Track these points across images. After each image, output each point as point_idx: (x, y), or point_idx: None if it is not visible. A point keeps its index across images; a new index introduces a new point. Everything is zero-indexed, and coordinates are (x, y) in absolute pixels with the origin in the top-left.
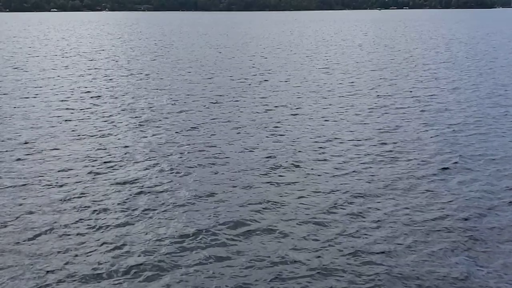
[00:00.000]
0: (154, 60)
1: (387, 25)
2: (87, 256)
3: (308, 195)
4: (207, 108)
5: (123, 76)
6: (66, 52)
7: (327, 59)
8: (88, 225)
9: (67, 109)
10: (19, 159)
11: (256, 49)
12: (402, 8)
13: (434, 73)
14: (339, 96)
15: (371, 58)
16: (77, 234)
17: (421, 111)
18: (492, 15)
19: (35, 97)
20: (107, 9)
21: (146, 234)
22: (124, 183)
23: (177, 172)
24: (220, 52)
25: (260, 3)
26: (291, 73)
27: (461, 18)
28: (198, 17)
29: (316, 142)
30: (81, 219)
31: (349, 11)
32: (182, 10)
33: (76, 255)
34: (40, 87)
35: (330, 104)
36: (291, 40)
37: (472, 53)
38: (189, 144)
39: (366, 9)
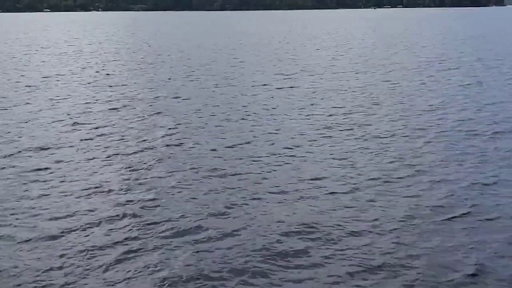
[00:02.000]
0: (161, 62)
1: (391, 23)
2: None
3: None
4: (229, 116)
5: (128, 80)
6: (65, 54)
7: (349, 61)
8: (95, 236)
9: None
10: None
11: (270, 51)
12: (396, 7)
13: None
14: (376, 104)
15: (394, 58)
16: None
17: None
18: (488, 13)
19: (34, 101)
20: (100, 9)
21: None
22: (134, 194)
23: (195, 187)
24: (229, 54)
25: (254, 2)
26: (316, 76)
27: (461, 16)
28: (194, 17)
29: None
30: (86, 233)
31: (345, 10)
32: (176, 10)
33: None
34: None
35: (366, 114)
36: (304, 42)
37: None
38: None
39: (361, 7)
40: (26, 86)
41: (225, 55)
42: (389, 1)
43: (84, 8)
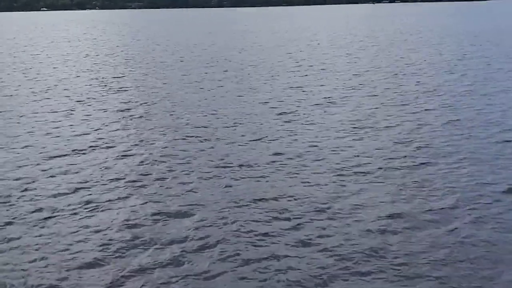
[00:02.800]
0: (176, 61)
1: (395, 19)
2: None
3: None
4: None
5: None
6: (66, 55)
7: (371, 59)
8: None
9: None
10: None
11: (290, 49)
12: (394, 2)
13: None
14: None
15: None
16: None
17: None
18: (488, 8)
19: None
20: (97, 7)
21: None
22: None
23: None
24: (241, 53)
25: None
26: (342, 76)
27: (462, 10)
28: (193, 14)
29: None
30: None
31: (344, 6)
32: (173, 7)
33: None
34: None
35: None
36: (315, 39)
37: None
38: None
39: (358, 3)
40: (31, 92)
41: (240, 55)
42: None
43: (81, 6)
